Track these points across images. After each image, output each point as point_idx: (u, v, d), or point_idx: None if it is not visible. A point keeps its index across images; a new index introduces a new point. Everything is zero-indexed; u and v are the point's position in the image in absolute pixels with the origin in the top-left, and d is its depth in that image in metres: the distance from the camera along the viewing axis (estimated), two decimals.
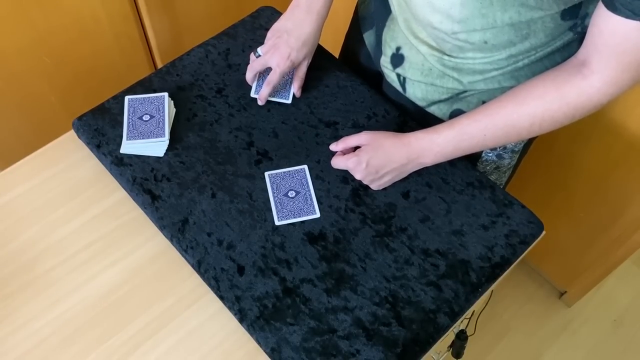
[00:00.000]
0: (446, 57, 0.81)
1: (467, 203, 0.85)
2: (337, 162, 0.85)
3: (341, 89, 0.96)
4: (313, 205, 0.84)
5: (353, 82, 0.97)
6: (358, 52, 1.03)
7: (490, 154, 0.94)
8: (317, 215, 0.83)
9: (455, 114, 0.87)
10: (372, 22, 0.93)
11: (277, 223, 0.82)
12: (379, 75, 0.97)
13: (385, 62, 0.91)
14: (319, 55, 1.00)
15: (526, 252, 0.83)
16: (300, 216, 0.83)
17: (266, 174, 0.87)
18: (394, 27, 0.87)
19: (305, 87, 0.95)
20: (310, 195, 0.85)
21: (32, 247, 0.82)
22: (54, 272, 0.80)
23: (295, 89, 0.94)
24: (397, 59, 0.88)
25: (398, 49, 0.87)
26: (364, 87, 0.97)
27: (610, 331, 1.64)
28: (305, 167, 0.87)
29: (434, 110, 0.89)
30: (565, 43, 0.77)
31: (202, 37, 1.03)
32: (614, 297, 1.69)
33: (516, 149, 0.94)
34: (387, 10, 0.88)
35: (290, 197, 0.84)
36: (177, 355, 0.75)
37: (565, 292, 1.66)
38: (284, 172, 0.87)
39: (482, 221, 0.83)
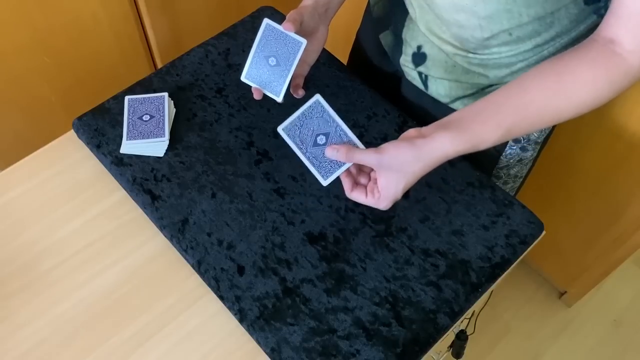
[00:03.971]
0: (471, 55, 0.80)
1: (467, 203, 0.85)
2: (356, 197, 0.73)
3: (341, 88, 0.96)
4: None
5: (353, 82, 0.97)
6: (371, 53, 1.02)
7: (514, 147, 0.93)
8: None
9: None
10: (389, 22, 0.92)
11: (324, 184, 0.74)
12: (395, 75, 0.97)
13: (405, 61, 0.90)
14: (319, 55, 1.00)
15: (526, 252, 0.83)
16: None
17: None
18: (413, 26, 0.86)
19: (305, 87, 0.95)
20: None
21: (32, 247, 0.82)
22: (54, 272, 0.80)
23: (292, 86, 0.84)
24: (419, 58, 0.87)
25: (419, 47, 0.86)
26: (364, 87, 0.97)
27: (610, 331, 1.64)
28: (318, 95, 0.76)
29: (458, 105, 0.88)
30: (590, 27, 0.75)
31: (202, 37, 1.03)
32: (614, 297, 1.69)
33: (539, 140, 0.93)
34: (404, 11, 0.87)
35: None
36: (177, 355, 0.75)
37: (565, 292, 1.66)
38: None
39: (482, 221, 0.83)
